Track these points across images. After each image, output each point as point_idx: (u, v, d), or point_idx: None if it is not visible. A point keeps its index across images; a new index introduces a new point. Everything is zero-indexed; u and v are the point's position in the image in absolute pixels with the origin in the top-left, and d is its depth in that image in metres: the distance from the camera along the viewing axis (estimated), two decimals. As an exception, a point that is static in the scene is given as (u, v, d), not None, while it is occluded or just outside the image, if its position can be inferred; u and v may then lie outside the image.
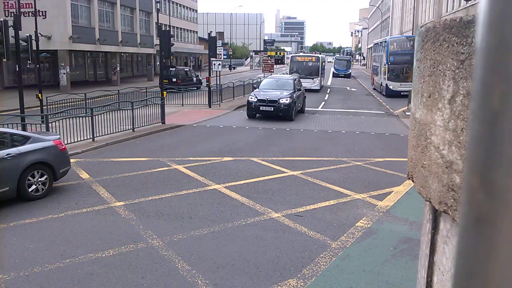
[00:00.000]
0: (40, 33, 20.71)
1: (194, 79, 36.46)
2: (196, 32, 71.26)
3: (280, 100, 19.09)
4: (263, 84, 21.81)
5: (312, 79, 34.46)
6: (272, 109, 18.94)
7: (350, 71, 57.23)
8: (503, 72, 0.42)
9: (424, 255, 1.59)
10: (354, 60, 65.59)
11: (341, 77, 54.56)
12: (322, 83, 37.06)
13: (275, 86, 21.08)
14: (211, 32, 29.76)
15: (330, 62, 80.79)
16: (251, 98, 19.65)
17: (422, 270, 1.59)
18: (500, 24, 0.42)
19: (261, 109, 19.07)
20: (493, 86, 0.43)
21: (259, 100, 19.18)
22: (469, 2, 21.73)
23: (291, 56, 39.17)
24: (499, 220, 0.42)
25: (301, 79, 30.50)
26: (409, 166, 1.61)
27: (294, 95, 19.96)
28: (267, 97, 19.21)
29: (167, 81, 30.04)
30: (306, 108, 22.92)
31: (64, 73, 33.01)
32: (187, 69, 38.59)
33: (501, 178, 0.42)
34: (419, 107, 1.48)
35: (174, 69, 35.89)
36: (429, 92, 1.37)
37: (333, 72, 57.04)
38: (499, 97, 0.42)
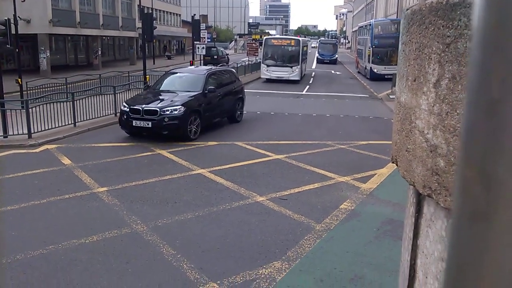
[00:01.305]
0: (19, 17, 20.16)
1: (226, 56, 47.51)
2: (180, 15, 70.23)
3: (164, 110, 12.04)
4: (160, 83, 14.50)
5: (291, 67, 28.50)
6: (150, 125, 11.97)
7: (337, 56, 51.85)
8: (504, 56, 0.38)
9: (407, 238, 1.59)
10: (339, 44, 59.07)
11: (326, 63, 49.39)
12: (303, 72, 31.17)
13: (176, 85, 13.86)
14: (194, 15, 29.55)
15: (314, 47, 74.88)
16: (124, 106, 12.59)
17: (406, 253, 1.60)
18: (500, 2, 0.39)
19: (133, 124, 12.11)
20: (493, 71, 0.39)
21: (132, 111, 12.19)
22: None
23: (265, 39, 31.19)
24: (496, 216, 0.39)
25: (277, 67, 28.48)
26: (393, 150, 1.60)
27: (196, 101, 12.86)
28: (143, 106, 12.20)
29: (209, 57, 39.73)
30: (290, 92, 22.82)
31: (44, 58, 32.31)
32: (222, 49, 50.39)
33: (501, 171, 0.39)
34: (404, 91, 1.46)
35: (215, 48, 45.79)
36: (414, 76, 1.35)
37: (317, 58, 51.83)
38: (499, 84, 0.39)
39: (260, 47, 35.32)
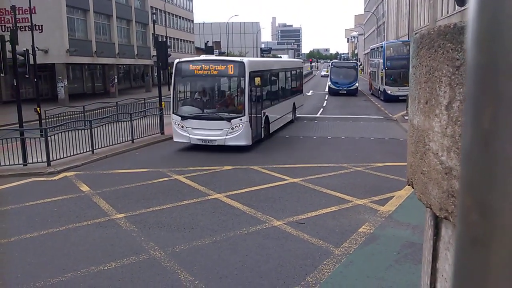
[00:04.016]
0: (37, 47, 20.80)
1: None
2: (193, 42, 71.54)
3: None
4: None
5: (227, 120, 14.02)
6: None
7: (357, 84, 37.14)
8: (493, 92, 0.41)
9: (426, 261, 1.58)
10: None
11: (342, 94, 36.18)
12: (261, 132, 15.67)
13: None
14: (207, 41, 29.82)
15: (325, 74, 63.65)
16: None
17: (425, 276, 1.58)
18: (489, 44, 0.41)
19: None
20: (484, 105, 0.42)
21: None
22: (463, 6, 21.86)
23: (176, 64, 14.96)
24: (494, 242, 0.41)
25: (199, 123, 14.19)
26: (408, 172, 1.60)
27: None
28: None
29: None
30: (303, 115, 22.73)
31: (62, 86, 33.07)
32: None
33: (495, 200, 0.41)
34: (417, 114, 1.47)
35: None
36: (425, 99, 1.37)
37: (329, 87, 37.85)
38: (489, 117, 0.41)
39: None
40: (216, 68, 14.24)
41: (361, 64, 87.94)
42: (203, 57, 15.73)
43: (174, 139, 14.73)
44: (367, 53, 62.64)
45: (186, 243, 7.16)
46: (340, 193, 9.67)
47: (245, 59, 14.53)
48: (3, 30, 29.04)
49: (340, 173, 11.50)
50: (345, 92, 36.28)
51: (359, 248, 6.91)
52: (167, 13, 58.66)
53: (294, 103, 21.10)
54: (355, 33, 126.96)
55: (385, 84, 30.44)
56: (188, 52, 68.39)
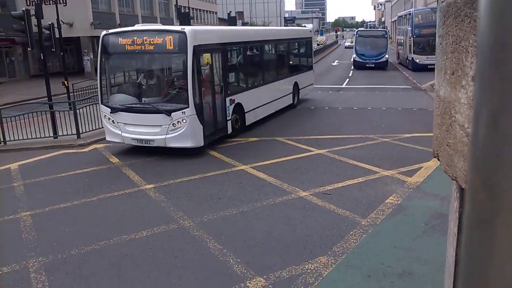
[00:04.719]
0: (62, 21, 20.98)
1: None
2: (216, 12, 70.80)
3: None
4: None
5: (168, 114, 10.21)
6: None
7: (387, 56, 32.28)
8: (502, 71, 0.41)
9: (452, 233, 1.56)
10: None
11: (370, 68, 31.71)
12: (226, 125, 11.78)
13: None
14: (230, 12, 29.39)
15: (349, 46, 55.07)
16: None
17: (451, 248, 1.57)
18: (499, 23, 0.40)
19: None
20: (493, 85, 0.42)
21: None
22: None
23: (102, 36, 10.95)
24: (500, 222, 0.41)
25: (132, 118, 10.63)
26: (434, 144, 1.57)
27: None
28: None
29: None
30: (330, 86, 22.37)
31: (88, 60, 33.45)
32: None
33: (502, 180, 0.41)
34: (443, 85, 1.44)
35: None
36: (452, 69, 1.33)
37: (354, 60, 32.91)
38: (499, 97, 0.41)
39: None
40: (152, 42, 10.27)
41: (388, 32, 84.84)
42: (138, 26, 11.48)
43: (107, 138, 11.23)
44: (395, 20, 60.85)
45: (214, 213, 7.28)
46: (366, 164, 9.59)
47: (187, 28, 10.19)
48: (28, 4, 29.33)
49: (366, 144, 11.38)
50: (373, 65, 31.80)
51: (386, 219, 6.89)
52: (189, -17, 57.97)
53: (295, 83, 16.98)
54: (382, 0, 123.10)
55: (413, 53, 29.59)
56: (210, 23, 67.82)
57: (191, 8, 50.68)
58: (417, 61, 29.28)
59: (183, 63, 10.16)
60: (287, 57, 17.07)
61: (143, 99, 10.80)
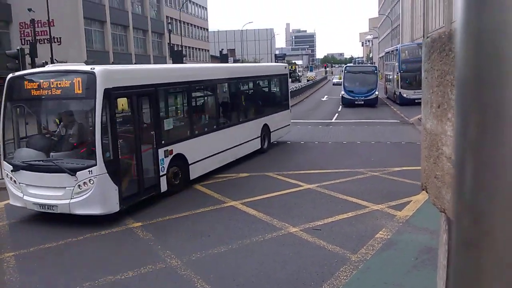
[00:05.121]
0: (55, 59, 21.26)
1: None
2: (208, 50, 72.11)
3: None
4: None
5: (73, 174, 8.38)
6: None
7: (377, 92, 31.12)
8: (479, 103, 0.43)
9: (442, 266, 1.56)
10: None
11: (359, 105, 30.19)
12: (159, 183, 9.86)
13: None
14: (222, 49, 29.96)
15: (337, 82, 53.93)
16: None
17: (441, 282, 1.56)
18: (473, 58, 0.43)
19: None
20: (471, 116, 0.44)
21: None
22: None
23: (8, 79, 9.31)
24: (485, 246, 0.42)
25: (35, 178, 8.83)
26: (422, 177, 1.59)
27: None
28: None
29: None
30: (317, 121, 22.57)
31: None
32: None
33: (484, 205, 0.42)
34: (429, 118, 1.47)
35: None
36: (438, 103, 1.36)
37: (343, 97, 31.63)
38: (476, 127, 0.43)
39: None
40: (59, 85, 8.68)
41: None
42: (47, 67, 10.11)
43: (10, 202, 9.29)
44: (382, 56, 62.11)
45: (203, 251, 7.18)
46: (356, 199, 9.59)
47: (98, 68, 8.65)
48: (23, 43, 29.73)
49: (356, 178, 11.41)
50: (362, 102, 30.27)
51: (376, 254, 6.83)
52: (182, 22, 59.31)
53: (265, 126, 15.06)
54: (369, 37, 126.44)
55: (401, 88, 30.16)
56: (203, 61, 68.96)
57: (183, 46, 51.63)
58: (405, 95, 29.80)
59: (91, 110, 8.55)
60: (252, 97, 15.46)
61: (51, 154, 8.94)
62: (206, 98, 13.11)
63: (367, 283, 5.95)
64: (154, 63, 45.60)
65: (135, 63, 40.99)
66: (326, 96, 42.55)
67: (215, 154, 12.05)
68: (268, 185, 11.02)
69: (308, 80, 61.95)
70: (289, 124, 17.34)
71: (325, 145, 16.85)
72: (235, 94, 14.14)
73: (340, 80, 44.15)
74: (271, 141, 15.64)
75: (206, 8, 71.89)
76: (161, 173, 9.79)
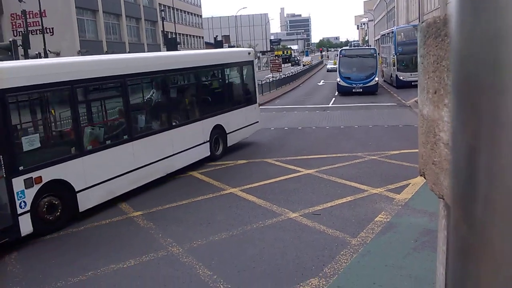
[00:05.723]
0: (49, 50, 21.07)
1: None
2: (202, 37, 71.54)
3: None
4: None
5: None
6: None
7: (376, 78, 28.26)
8: (475, 110, 0.42)
9: (441, 251, 1.56)
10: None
11: (357, 93, 27.41)
12: (17, 223, 7.21)
13: None
14: (216, 36, 29.74)
15: (332, 68, 50.31)
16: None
17: (441, 266, 1.57)
18: (469, 64, 0.42)
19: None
20: (467, 123, 0.43)
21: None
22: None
23: None
24: (481, 254, 0.42)
25: None
26: (420, 163, 1.59)
27: None
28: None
29: None
30: (315, 106, 22.55)
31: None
32: None
33: (480, 212, 0.42)
34: (426, 103, 1.46)
35: None
36: (434, 88, 1.35)
37: (338, 85, 28.69)
38: (472, 134, 0.43)
39: (281, 63, 29.11)
40: None
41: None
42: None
43: None
44: (378, 39, 61.79)
45: (203, 238, 7.21)
46: (355, 183, 9.62)
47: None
48: (15, 34, 29.41)
49: (354, 163, 11.44)
50: (361, 90, 27.31)
51: (376, 237, 6.88)
52: (175, 9, 58.70)
53: (218, 126, 12.33)
54: (365, 20, 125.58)
55: (397, 70, 30.06)
56: (197, 47, 68.46)
57: (177, 34, 51.19)
58: (401, 78, 29.72)
59: None
60: (198, 93, 12.11)
61: None
62: (104, 101, 9.62)
63: (368, 266, 6.00)
64: (148, 51, 45.31)
65: (128, 52, 40.72)
66: (322, 81, 42.43)
67: (128, 172, 9.28)
68: (267, 171, 11.04)
69: (304, 65, 61.70)
70: (256, 122, 14.26)
71: (323, 130, 16.85)
72: (167, 91, 10.95)
73: (335, 66, 40.85)
74: (227, 145, 12.75)
75: (199, -6, 71.11)
76: (19, 211, 7.23)
